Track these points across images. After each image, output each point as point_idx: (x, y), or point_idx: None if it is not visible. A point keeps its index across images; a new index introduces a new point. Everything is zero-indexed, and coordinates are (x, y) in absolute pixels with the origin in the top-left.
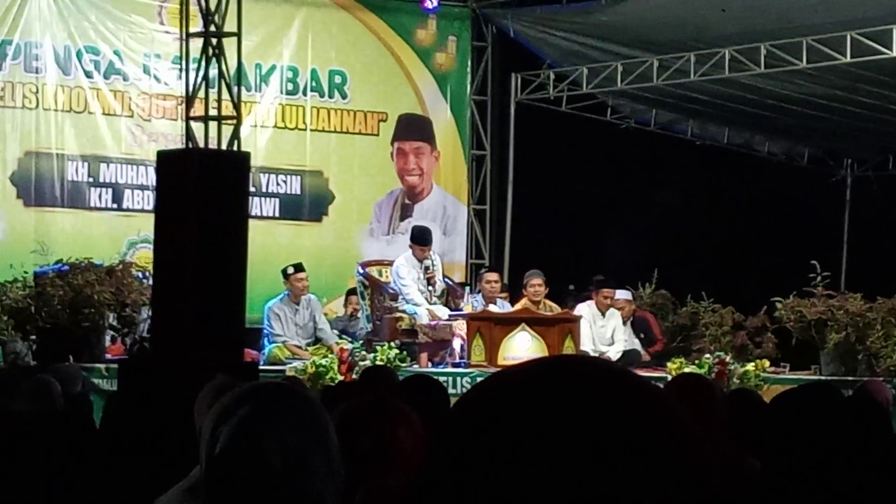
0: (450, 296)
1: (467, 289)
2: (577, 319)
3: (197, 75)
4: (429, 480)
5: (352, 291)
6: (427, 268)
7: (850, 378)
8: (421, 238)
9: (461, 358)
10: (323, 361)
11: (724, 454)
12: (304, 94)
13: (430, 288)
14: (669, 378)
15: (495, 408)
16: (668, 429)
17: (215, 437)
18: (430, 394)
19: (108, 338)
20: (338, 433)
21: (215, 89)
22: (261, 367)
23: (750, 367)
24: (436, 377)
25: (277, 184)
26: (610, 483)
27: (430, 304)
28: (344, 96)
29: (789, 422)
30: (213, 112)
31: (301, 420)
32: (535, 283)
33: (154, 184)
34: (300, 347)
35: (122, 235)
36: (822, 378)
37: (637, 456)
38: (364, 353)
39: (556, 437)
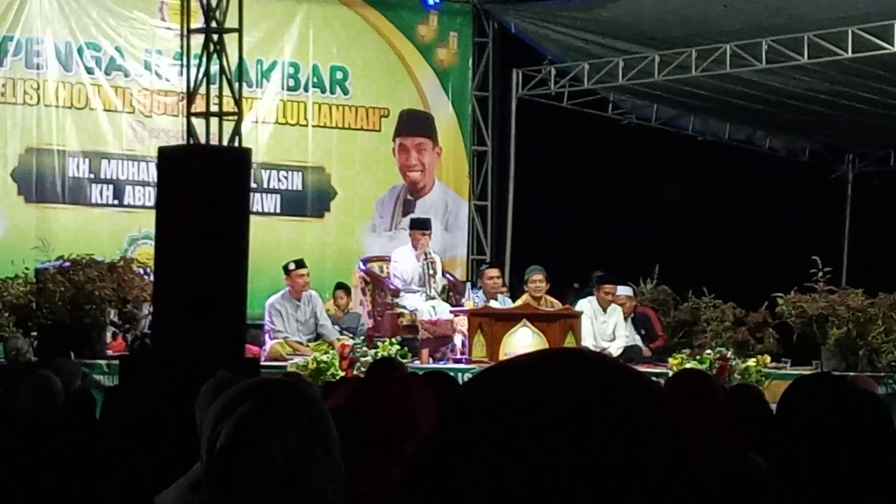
0: (451, 291)
1: (468, 284)
2: (578, 315)
3: (198, 71)
4: (424, 470)
5: (339, 286)
6: (427, 254)
7: (851, 374)
8: (418, 222)
9: (462, 354)
10: (324, 357)
11: (725, 449)
12: (306, 90)
13: (431, 280)
14: (670, 374)
15: (489, 399)
16: (660, 420)
17: (216, 434)
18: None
19: (109, 334)
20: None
21: (216, 85)
22: (262, 363)
23: (751, 362)
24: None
25: (279, 180)
26: (602, 475)
27: (430, 298)
28: (345, 92)
29: (797, 411)
30: (214, 108)
31: (302, 416)
32: (536, 279)
33: (155, 180)
34: (301, 343)
35: (123, 232)
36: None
37: (630, 448)
38: (365, 348)
39: (549, 429)
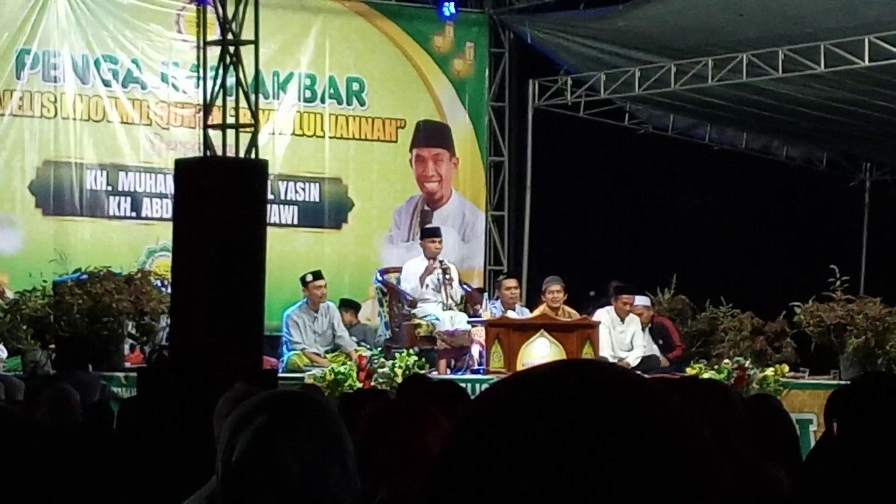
0: (468, 302)
1: (485, 295)
2: (595, 325)
3: (215, 83)
4: (439, 485)
5: (343, 303)
6: (441, 262)
7: None
8: (427, 230)
9: (480, 364)
10: (342, 369)
11: (743, 460)
12: (323, 101)
13: (448, 287)
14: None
15: (502, 414)
16: (676, 432)
17: (232, 446)
18: (456, 401)
19: (127, 346)
20: (366, 436)
21: (233, 97)
22: (280, 375)
23: (769, 372)
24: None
25: (296, 191)
26: (618, 489)
27: (446, 308)
28: (362, 103)
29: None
30: (230, 120)
31: (317, 429)
32: (554, 290)
33: (172, 192)
34: (319, 355)
35: (140, 244)
36: (843, 383)
37: (646, 461)
38: (383, 359)
39: (563, 443)
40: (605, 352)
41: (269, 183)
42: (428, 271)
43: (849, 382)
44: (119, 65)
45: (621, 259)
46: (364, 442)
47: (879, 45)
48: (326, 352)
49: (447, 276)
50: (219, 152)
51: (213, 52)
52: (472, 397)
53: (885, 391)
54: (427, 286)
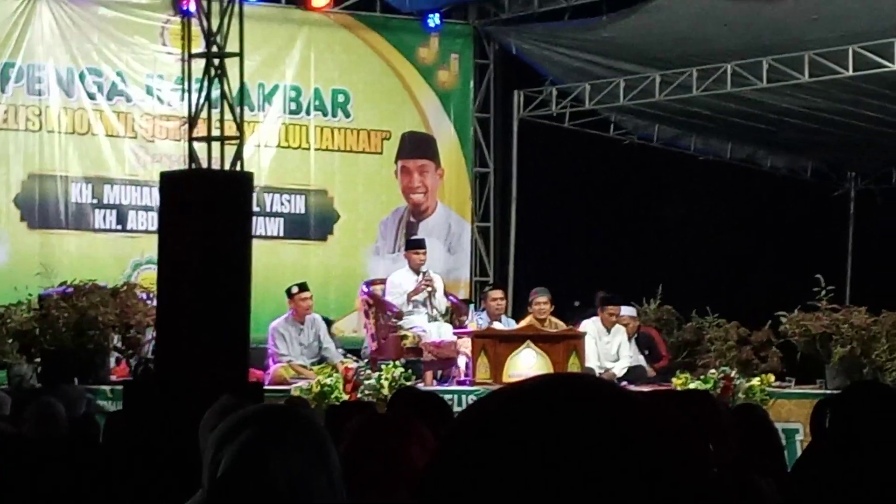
0: (454, 313)
1: (472, 306)
2: (581, 336)
3: (199, 96)
4: (427, 494)
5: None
6: (425, 273)
7: None
8: (412, 242)
9: (466, 376)
10: (328, 381)
11: (729, 470)
12: (308, 113)
13: (432, 298)
14: (674, 394)
15: (487, 429)
16: (663, 445)
17: (218, 460)
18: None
19: (112, 359)
20: (352, 449)
21: (218, 109)
22: (266, 388)
23: (755, 381)
24: (440, 394)
25: (282, 203)
26: (606, 498)
27: (432, 319)
28: (347, 115)
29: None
30: (216, 132)
31: (304, 443)
32: (541, 301)
33: (158, 205)
34: (305, 367)
35: (126, 257)
36: (829, 392)
37: (633, 473)
38: (369, 371)
39: (549, 458)
40: (592, 362)
41: (254, 195)
42: (416, 291)
43: (836, 392)
44: (104, 78)
45: (607, 269)
46: (350, 455)
47: (863, 54)
48: (312, 364)
49: (431, 288)
50: (204, 165)
51: (198, 65)
52: (460, 410)
53: (872, 400)
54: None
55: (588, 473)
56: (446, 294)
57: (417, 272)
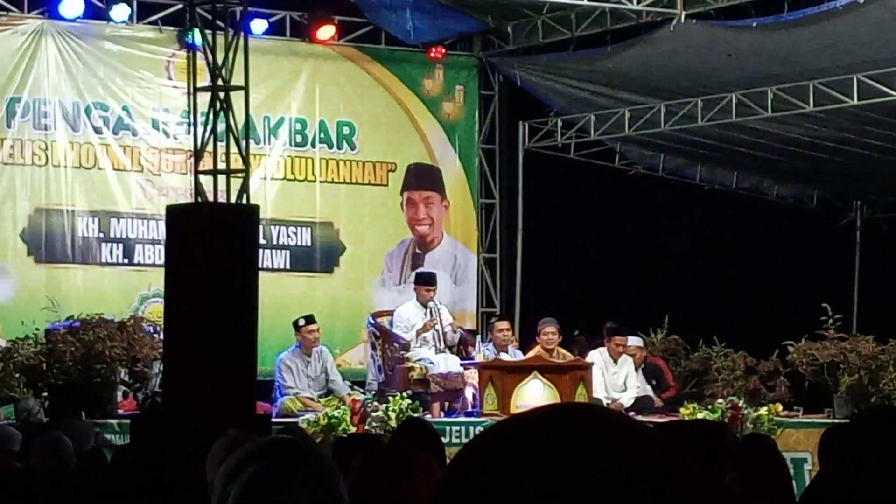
0: (461, 344)
1: (478, 337)
2: (589, 366)
3: (205, 129)
4: None
5: None
6: (431, 311)
7: None
8: (422, 277)
9: (473, 407)
10: (335, 413)
11: (736, 499)
12: (313, 145)
13: (439, 333)
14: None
15: (493, 460)
16: (670, 475)
17: (226, 495)
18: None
19: (119, 393)
20: (358, 480)
21: (224, 143)
22: (273, 420)
23: (763, 411)
24: (447, 426)
25: (288, 236)
26: None
27: (439, 351)
28: (353, 147)
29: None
30: (221, 165)
31: (311, 475)
32: (549, 332)
33: (164, 238)
34: (312, 399)
35: (133, 290)
36: (837, 421)
37: (637, 500)
38: (376, 403)
39: (555, 489)
40: (599, 393)
41: (260, 228)
42: (425, 329)
43: (844, 420)
44: (110, 112)
45: (614, 300)
46: (356, 487)
47: (867, 83)
48: (320, 396)
49: (439, 319)
50: (210, 198)
51: (204, 98)
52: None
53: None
54: (416, 324)
55: (595, 503)
56: (454, 326)
57: (425, 306)
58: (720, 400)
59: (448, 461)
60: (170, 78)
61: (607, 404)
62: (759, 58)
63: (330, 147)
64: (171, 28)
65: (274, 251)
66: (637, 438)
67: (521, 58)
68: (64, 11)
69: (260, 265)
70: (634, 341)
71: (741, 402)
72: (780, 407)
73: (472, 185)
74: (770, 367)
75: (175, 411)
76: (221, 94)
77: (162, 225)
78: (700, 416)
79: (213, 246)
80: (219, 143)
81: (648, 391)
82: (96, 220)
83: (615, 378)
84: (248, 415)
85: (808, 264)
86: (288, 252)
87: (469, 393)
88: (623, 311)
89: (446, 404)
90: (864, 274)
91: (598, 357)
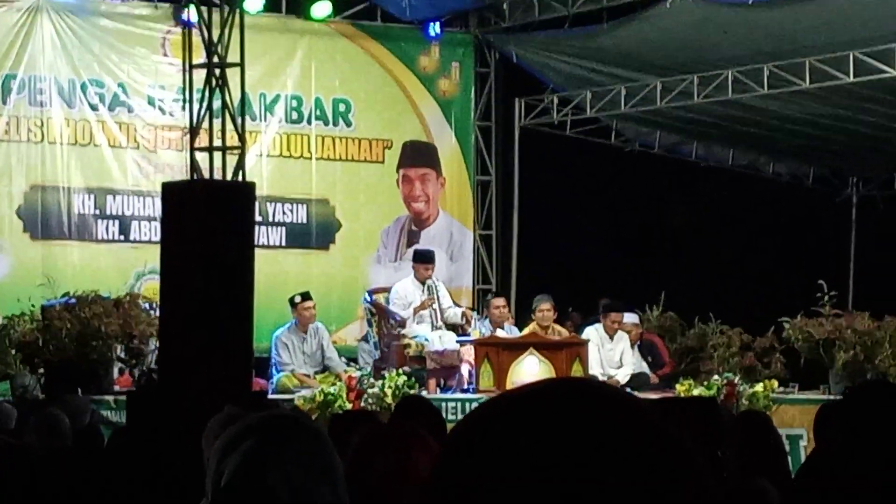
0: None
1: (474, 314)
2: (585, 343)
3: (201, 106)
4: (430, 499)
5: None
6: (430, 288)
7: None
8: (421, 255)
9: (469, 384)
10: (331, 390)
11: (732, 475)
12: (309, 122)
13: (436, 313)
14: (678, 401)
15: (490, 434)
16: (664, 450)
17: (221, 470)
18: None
19: (116, 370)
20: (356, 458)
21: (219, 119)
22: (269, 397)
23: (759, 387)
24: (443, 403)
25: (284, 213)
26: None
27: (435, 328)
28: (348, 124)
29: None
30: (217, 142)
31: (306, 451)
32: (544, 308)
33: (160, 215)
34: (308, 376)
35: (129, 267)
36: (832, 397)
37: (633, 478)
38: (372, 380)
39: (551, 462)
40: (595, 370)
41: (256, 205)
42: (423, 306)
43: (840, 396)
44: (105, 88)
45: (609, 277)
46: (354, 465)
47: (864, 60)
48: (316, 373)
49: (437, 304)
50: (206, 175)
51: (200, 75)
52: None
53: (879, 401)
54: (414, 301)
55: (590, 477)
56: (452, 303)
57: (423, 284)
58: (716, 376)
59: None
60: (165, 54)
61: (603, 381)
62: (756, 34)
63: (326, 124)
64: (167, 4)
65: (270, 228)
66: (631, 412)
67: (518, 35)
68: None
69: (256, 242)
70: (630, 318)
71: (737, 378)
72: (775, 383)
73: (468, 162)
74: (766, 344)
75: (171, 388)
76: (217, 71)
77: (158, 202)
78: (695, 392)
79: (208, 223)
80: (214, 120)
81: (644, 368)
82: (92, 196)
83: (611, 354)
84: (245, 391)
85: (804, 241)
86: (284, 229)
87: (465, 370)
88: (619, 288)
89: (442, 381)
90: (860, 251)
91: (593, 334)
